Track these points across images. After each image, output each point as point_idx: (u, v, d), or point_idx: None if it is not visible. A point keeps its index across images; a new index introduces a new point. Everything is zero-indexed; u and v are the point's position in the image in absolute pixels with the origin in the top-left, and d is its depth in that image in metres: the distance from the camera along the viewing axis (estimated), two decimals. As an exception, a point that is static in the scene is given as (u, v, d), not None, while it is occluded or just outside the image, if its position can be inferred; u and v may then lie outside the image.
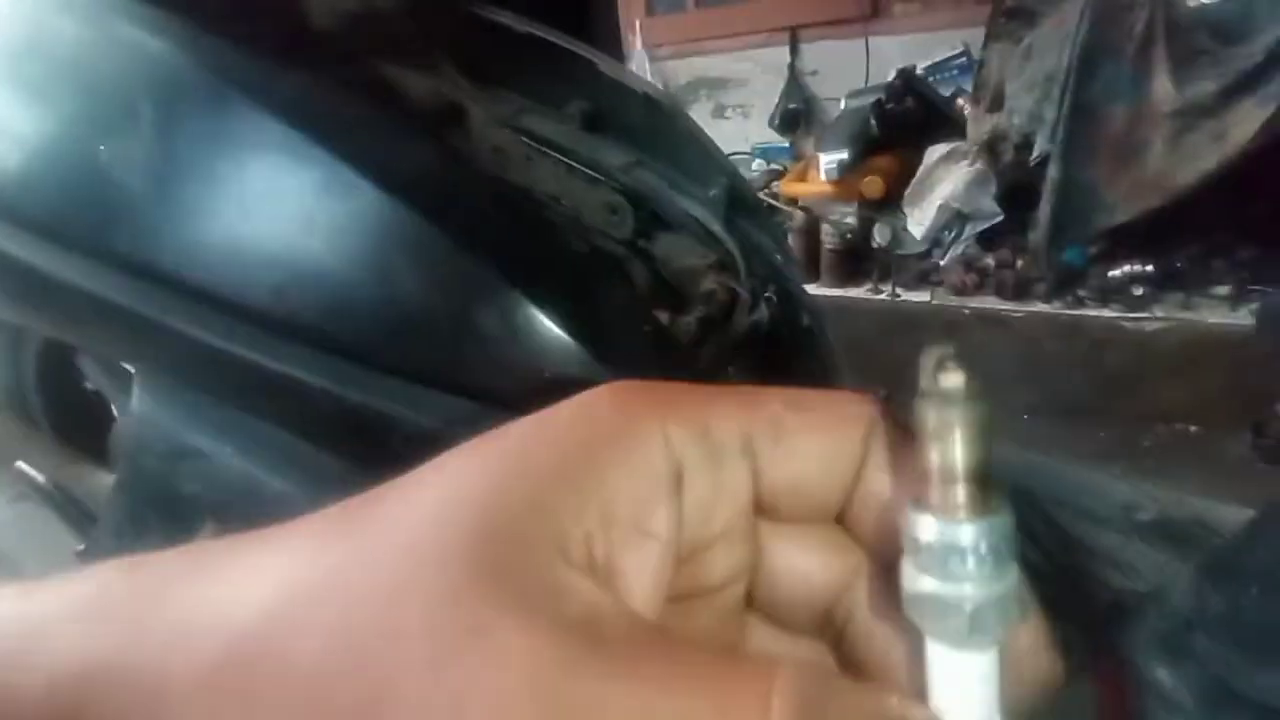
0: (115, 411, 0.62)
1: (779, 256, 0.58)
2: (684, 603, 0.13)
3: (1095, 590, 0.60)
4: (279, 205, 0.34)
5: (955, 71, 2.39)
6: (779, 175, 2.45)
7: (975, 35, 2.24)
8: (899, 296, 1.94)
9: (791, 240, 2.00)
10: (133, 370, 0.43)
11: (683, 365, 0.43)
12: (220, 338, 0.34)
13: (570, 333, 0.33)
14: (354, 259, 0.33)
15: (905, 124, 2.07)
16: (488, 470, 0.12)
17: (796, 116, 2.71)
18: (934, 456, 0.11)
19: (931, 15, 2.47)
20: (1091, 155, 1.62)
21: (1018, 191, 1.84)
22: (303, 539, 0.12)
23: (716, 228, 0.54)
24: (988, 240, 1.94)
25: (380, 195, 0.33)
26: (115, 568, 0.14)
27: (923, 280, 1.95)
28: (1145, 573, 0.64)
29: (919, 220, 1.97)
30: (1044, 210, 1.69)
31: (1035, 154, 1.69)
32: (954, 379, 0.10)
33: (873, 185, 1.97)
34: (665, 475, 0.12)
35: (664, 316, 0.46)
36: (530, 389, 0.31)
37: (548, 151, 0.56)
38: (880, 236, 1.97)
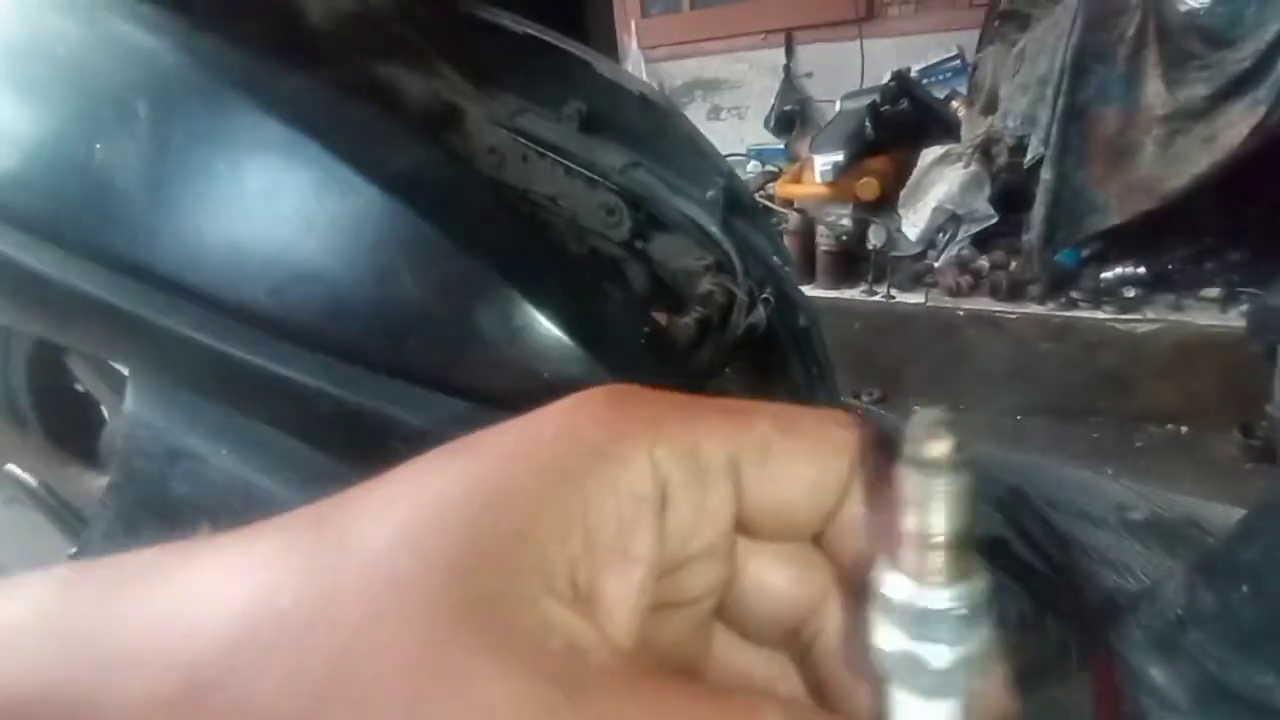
0: (106, 413, 0.62)
1: (775, 258, 0.58)
2: (658, 613, 0.12)
3: (1089, 589, 0.61)
4: (275, 205, 0.33)
5: (949, 74, 2.41)
6: (774, 177, 2.45)
7: (969, 38, 2.25)
8: (894, 298, 1.95)
9: (787, 242, 2.01)
10: (126, 371, 0.43)
11: (680, 366, 0.43)
12: (215, 338, 0.33)
13: (568, 333, 0.33)
14: (351, 259, 0.33)
15: (900, 126, 2.07)
16: (468, 491, 0.11)
17: (792, 118, 2.72)
18: (912, 522, 0.11)
19: (925, 18, 2.49)
20: (1084, 158, 1.64)
21: (1012, 193, 1.86)
22: (267, 554, 0.11)
23: (713, 229, 0.54)
24: (982, 242, 1.95)
25: (377, 195, 0.32)
26: (56, 579, 0.13)
27: (917, 282, 1.96)
28: (1138, 571, 0.65)
29: (914, 222, 1.98)
30: (1037, 212, 1.70)
31: (1029, 156, 1.70)
32: (940, 448, 0.10)
33: (868, 187, 1.98)
34: (650, 496, 0.11)
35: (661, 317, 0.46)
36: (528, 390, 0.31)
37: (545, 152, 0.56)
38: (875, 238, 1.97)
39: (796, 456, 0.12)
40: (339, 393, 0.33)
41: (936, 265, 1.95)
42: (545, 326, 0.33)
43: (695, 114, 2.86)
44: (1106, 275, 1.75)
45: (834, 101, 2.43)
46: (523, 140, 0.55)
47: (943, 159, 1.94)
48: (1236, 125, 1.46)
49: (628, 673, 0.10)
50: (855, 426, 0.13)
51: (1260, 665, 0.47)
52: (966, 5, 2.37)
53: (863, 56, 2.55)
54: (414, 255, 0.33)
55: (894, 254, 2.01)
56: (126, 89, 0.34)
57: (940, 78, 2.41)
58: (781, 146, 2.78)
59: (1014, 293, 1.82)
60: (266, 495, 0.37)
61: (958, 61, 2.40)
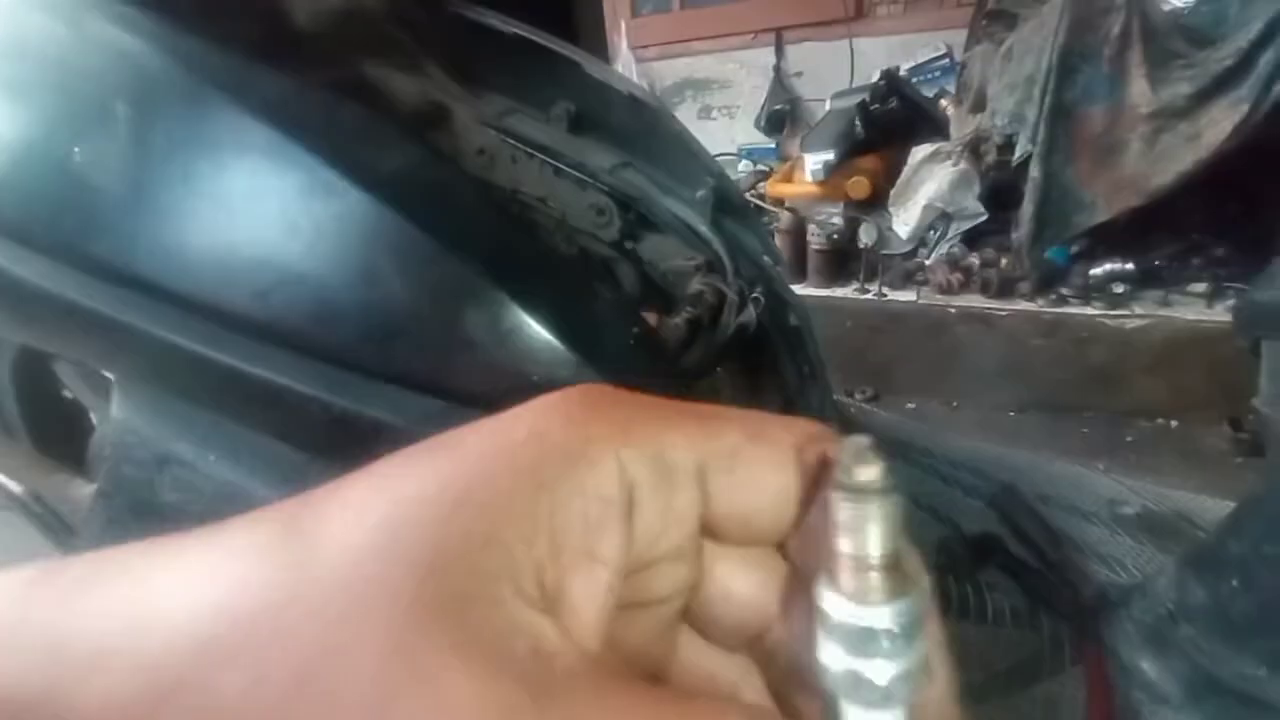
0: (94, 420, 0.61)
1: (766, 257, 0.58)
2: (624, 613, 0.12)
3: (1081, 583, 0.61)
4: (260, 208, 0.33)
5: (938, 73, 2.42)
6: (765, 176, 2.46)
7: (957, 37, 2.27)
8: (885, 296, 1.96)
9: (778, 241, 2.01)
10: (112, 377, 0.42)
11: (671, 366, 0.43)
12: (202, 343, 0.33)
13: (557, 335, 0.33)
14: (337, 262, 0.33)
15: (890, 125, 2.08)
16: (438, 492, 0.11)
17: (782, 118, 2.73)
18: (847, 545, 0.11)
19: (914, 17, 2.50)
20: (1071, 156, 1.65)
21: (1001, 191, 1.87)
22: (234, 552, 0.11)
23: (703, 229, 0.54)
24: (972, 240, 1.96)
25: (364, 197, 0.32)
26: (20, 579, 0.12)
27: (908, 279, 1.97)
28: (1129, 565, 0.65)
29: (904, 220, 1.99)
30: (1026, 210, 1.71)
31: (1017, 154, 1.71)
32: (870, 472, 0.11)
33: (858, 186, 1.99)
34: (617, 499, 0.12)
35: (652, 318, 0.46)
36: (518, 392, 0.31)
37: (534, 153, 0.55)
38: (866, 236, 1.98)
39: (763, 464, 0.13)
40: (327, 397, 0.33)
41: (927, 263, 1.96)
42: (534, 328, 0.32)
43: (686, 114, 2.87)
44: (1095, 272, 1.76)
45: (824, 101, 2.45)
46: (511, 141, 0.55)
47: (932, 157, 1.95)
48: (1220, 123, 1.47)
49: (593, 675, 0.10)
50: (822, 437, 0.13)
51: (1250, 658, 0.47)
52: (954, 5, 2.38)
53: (852, 56, 2.56)
54: (402, 258, 0.33)
55: (885, 252, 2.02)
56: (108, 91, 0.33)
57: (929, 77, 2.42)
58: (772, 146, 2.79)
59: (1004, 290, 1.83)
60: (255, 500, 0.36)
61: (946, 60, 2.41)
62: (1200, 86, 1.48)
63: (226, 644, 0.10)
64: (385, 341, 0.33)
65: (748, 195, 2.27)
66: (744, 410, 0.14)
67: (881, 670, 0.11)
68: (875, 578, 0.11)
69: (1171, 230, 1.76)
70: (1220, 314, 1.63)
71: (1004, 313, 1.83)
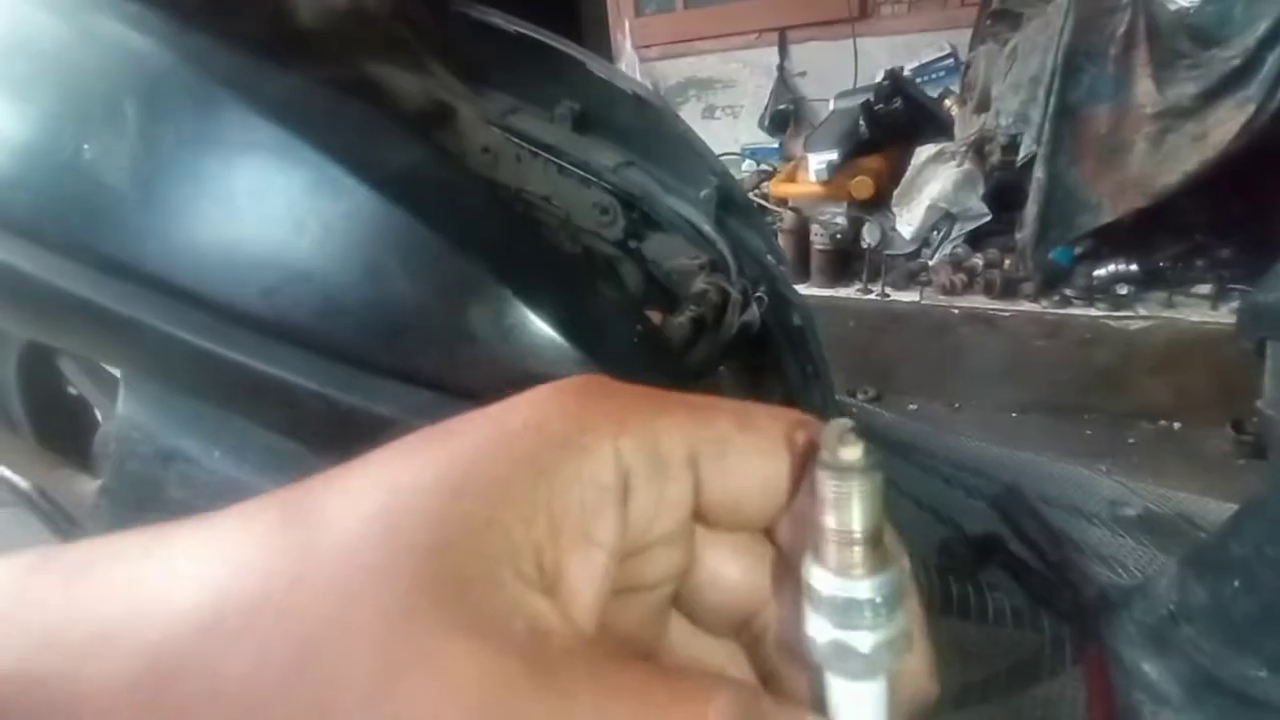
0: (98, 415, 0.61)
1: (769, 257, 0.58)
2: (617, 598, 0.13)
3: (1082, 584, 0.61)
4: (267, 205, 0.33)
5: (942, 73, 2.42)
6: (769, 176, 2.46)
7: (961, 37, 2.26)
8: (888, 296, 1.96)
9: (781, 241, 2.01)
10: (118, 373, 0.42)
11: (674, 365, 0.43)
12: (208, 340, 0.33)
13: (562, 333, 0.33)
14: (344, 260, 0.33)
15: (893, 125, 2.08)
16: (437, 475, 0.11)
17: (786, 117, 2.72)
18: (831, 521, 0.12)
19: (918, 17, 2.49)
20: (1076, 156, 1.65)
21: (1005, 192, 1.86)
22: (235, 537, 0.12)
23: (707, 228, 0.54)
24: (975, 240, 1.96)
25: (370, 195, 0.32)
26: (21, 564, 0.12)
27: (912, 280, 1.97)
28: (1131, 566, 0.65)
29: (908, 220, 1.98)
30: (1030, 210, 1.71)
31: (1021, 154, 1.70)
32: (852, 452, 0.12)
33: (862, 186, 1.99)
34: (613, 486, 0.12)
35: (655, 316, 0.46)
36: (522, 389, 0.31)
37: (538, 152, 0.55)
38: (869, 237, 1.98)
39: (753, 453, 0.13)
40: (333, 393, 0.33)
41: (931, 263, 1.96)
42: (539, 326, 0.33)
43: (690, 113, 2.86)
44: (1099, 273, 1.76)
45: (828, 100, 2.44)
46: (516, 140, 0.55)
47: (936, 157, 1.94)
48: (1226, 123, 1.47)
49: (588, 653, 0.10)
50: (809, 426, 0.13)
51: (1252, 659, 0.47)
52: (959, 4, 2.38)
53: (856, 55, 2.56)
54: (407, 255, 0.33)
55: (888, 252, 2.02)
56: (115, 88, 0.33)
57: (933, 76, 2.42)
58: (776, 145, 2.78)
59: (1008, 291, 1.83)
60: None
61: (951, 60, 2.41)
62: (1206, 86, 1.48)
63: (229, 626, 0.10)
64: (391, 338, 0.33)
65: (751, 195, 2.27)
66: (734, 400, 0.14)
67: (865, 640, 0.11)
68: (859, 552, 0.11)
69: (1176, 231, 1.75)
70: (1225, 316, 1.62)
71: (1007, 314, 1.82)
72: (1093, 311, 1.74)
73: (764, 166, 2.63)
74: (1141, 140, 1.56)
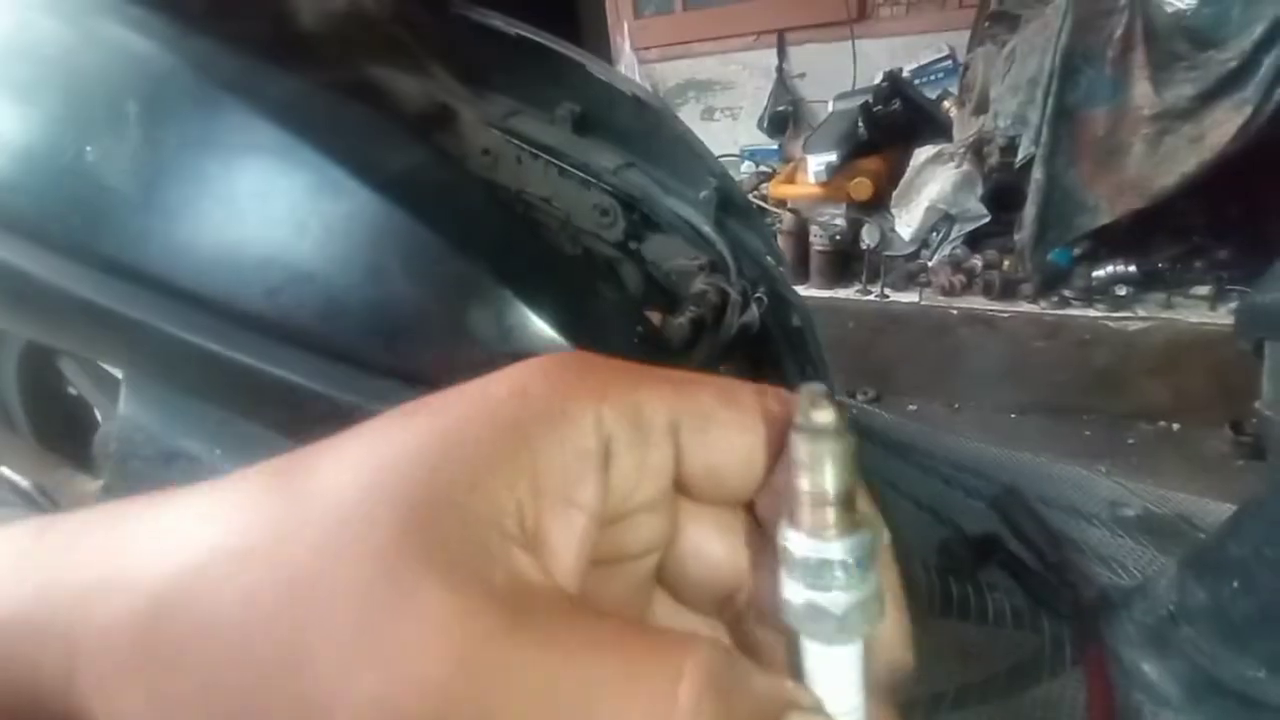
0: (98, 415, 0.61)
1: (769, 258, 0.58)
2: (601, 569, 0.13)
3: (1082, 584, 0.61)
4: (269, 207, 0.33)
5: (941, 74, 2.42)
6: (768, 177, 2.46)
7: (959, 38, 2.27)
8: (888, 297, 1.96)
9: (781, 242, 2.01)
10: (120, 374, 0.42)
11: (674, 365, 0.43)
12: (210, 340, 0.33)
13: (562, 333, 0.33)
14: (345, 261, 0.33)
15: (892, 126, 2.08)
16: (424, 440, 0.12)
17: (785, 119, 2.73)
18: (805, 483, 0.12)
19: (916, 18, 2.50)
20: (1074, 158, 1.65)
21: (1003, 193, 1.87)
22: (228, 496, 0.12)
23: (707, 229, 0.54)
24: (974, 241, 1.96)
25: (372, 197, 0.32)
26: (24, 530, 0.13)
27: (911, 281, 1.97)
28: (1130, 567, 0.65)
29: (907, 222, 1.99)
30: (1029, 212, 1.71)
31: (1020, 156, 1.71)
32: (825, 415, 0.12)
33: (861, 187, 1.99)
34: (594, 451, 0.12)
35: (655, 317, 0.46)
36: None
37: (538, 154, 0.56)
38: (869, 238, 1.98)
39: (734, 426, 0.13)
40: (334, 393, 0.33)
41: (930, 265, 1.96)
42: (539, 327, 0.33)
43: (689, 115, 2.87)
44: (1098, 274, 1.76)
45: (826, 102, 2.44)
46: (516, 142, 0.55)
47: (935, 159, 1.95)
48: (1223, 125, 1.47)
49: (567, 606, 0.10)
50: (789, 402, 0.14)
51: (1250, 659, 0.47)
52: (957, 6, 2.38)
53: (855, 57, 2.56)
54: (409, 256, 0.33)
55: (887, 253, 2.02)
56: (118, 91, 0.34)
57: (932, 78, 2.42)
58: (775, 147, 2.79)
59: (1007, 292, 1.83)
60: (261, 498, 0.36)
61: (949, 62, 2.41)
62: (1203, 88, 1.48)
63: (221, 569, 0.11)
64: (392, 339, 0.33)
65: (750, 196, 2.27)
66: (716, 376, 0.14)
67: (837, 601, 0.12)
68: (831, 513, 0.12)
69: (1174, 232, 1.76)
70: (1223, 316, 1.62)
71: (1006, 314, 1.82)
72: (1091, 312, 1.74)
73: (763, 168, 2.63)
74: (1139, 142, 1.57)
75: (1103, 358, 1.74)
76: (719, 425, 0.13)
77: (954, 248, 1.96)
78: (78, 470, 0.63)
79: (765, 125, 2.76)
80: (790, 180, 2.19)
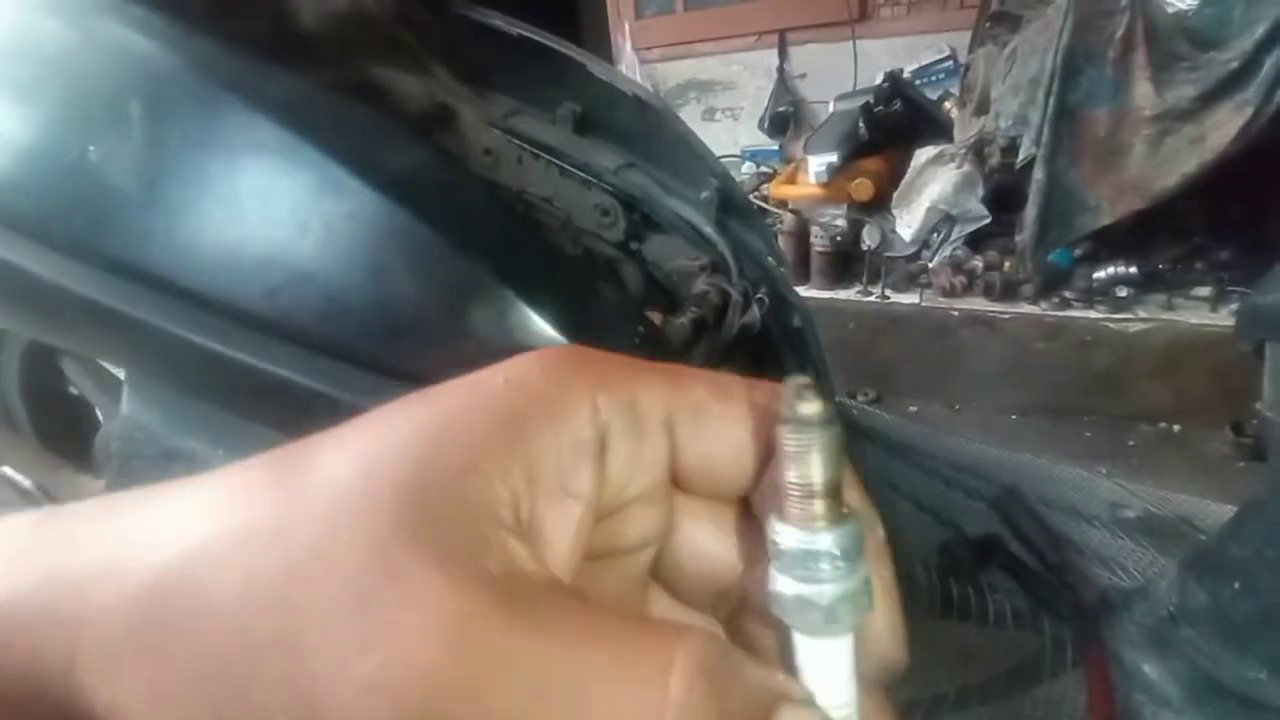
0: (100, 415, 0.61)
1: (770, 258, 0.58)
2: (597, 563, 0.13)
3: (1083, 586, 0.61)
4: (270, 206, 0.33)
5: (942, 75, 2.42)
6: (769, 178, 2.46)
7: (961, 39, 2.27)
8: (888, 298, 1.96)
9: (782, 243, 2.01)
10: (122, 374, 0.43)
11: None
12: (212, 340, 0.33)
13: (563, 334, 0.33)
14: (347, 260, 0.33)
15: (893, 127, 2.08)
16: (422, 429, 0.12)
17: (785, 119, 2.73)
18: (792, 475, 0.12)
19: (917, 19, 2.50)
20: (1075, 159, 1.65)
21: (1004, 194, 1.87)
22: (228, 484, 0.12)
23: (708, 230, 0.54)
24: (975, 242, 1.96)
25: (373, 196, 0.33)
26: (24, 520, 0.13)
27: (911, 282, 1.97)
28: (1131, 568, 0.65)
29: (908, 222, 1.99)
30: (1030, 213, 1.71)
31: (1021, 157, 1.71)
32: (811, 407, 0.12)
33: (862, 188, 1.99)
34: (590, 441, 0.12)
35: (656, 317, 0.46)
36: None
37: (539, 153, 0.56)
38: (870, 238, 1.98)
39: (728, 421, 0.13)
40: (336, 393, 0.33)
41: (931, 265, 1.96)
42: (540, 327, 0.33)
43: (690, 115, 2.87)
44: (1099, 275, 1.76)
45: (827, 102, 2.45)
46: (517, 141, 0.55)
47: (936, 159, 1.95)
48: (1224, 126, 1.47)
49: (560, 594, 0.11)
50: (778, 395, 0.14)
51: (1251, 661, 0.47)
52: (958, 6, 2.38)
53: (856, 57, 2.56)
54: (410, 256, 0.33)
55: (888, 254, 2.02)
56: (120, 91, 0.34)
57: (933, 79, 2.42)
58: (776, 148, 2.79)
59: (1007, 293, 1.83)
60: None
61: (950, 62, 2.41)
62: (1205, 89, 1.48)
63: (220, 553, 0.11)
64: (393, 338, 0.33)
65: (751, 197, 2.27)
66: (711, 371, 0.14)
67: (823, 593, 0.11)
68: (819, 505, 0.12)
69: (1175, 233, 1.76)
70: (1224, 318, 1.62)
71: (1007, 316, 1.82)
72: (1092, 314, 1.74)
73: (764, 168, 2.63)
74: (1140, 142, 1.57)
75: (1103, 359, 1.74)
76: (713, 419, 0.13)
77: (955, 249, 1.96)
78: (79, 470, 0.63)
79: (766, 126, 2.76)
80: (791, 181, 2.19)
